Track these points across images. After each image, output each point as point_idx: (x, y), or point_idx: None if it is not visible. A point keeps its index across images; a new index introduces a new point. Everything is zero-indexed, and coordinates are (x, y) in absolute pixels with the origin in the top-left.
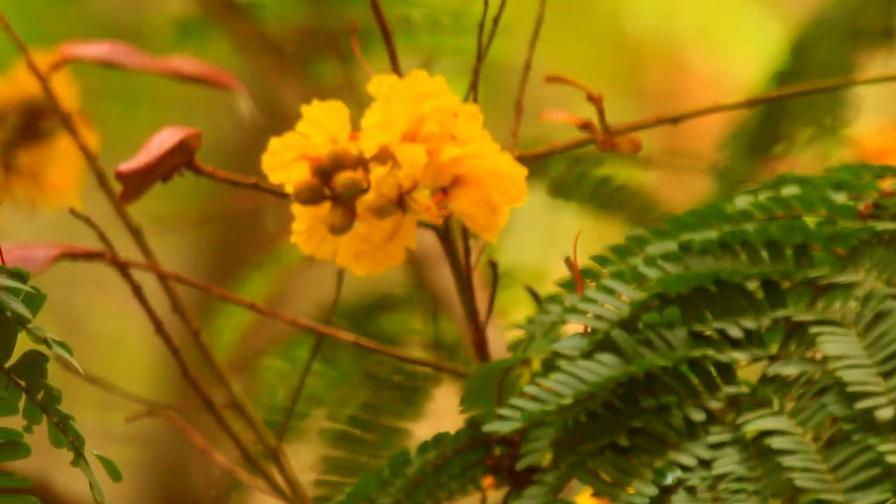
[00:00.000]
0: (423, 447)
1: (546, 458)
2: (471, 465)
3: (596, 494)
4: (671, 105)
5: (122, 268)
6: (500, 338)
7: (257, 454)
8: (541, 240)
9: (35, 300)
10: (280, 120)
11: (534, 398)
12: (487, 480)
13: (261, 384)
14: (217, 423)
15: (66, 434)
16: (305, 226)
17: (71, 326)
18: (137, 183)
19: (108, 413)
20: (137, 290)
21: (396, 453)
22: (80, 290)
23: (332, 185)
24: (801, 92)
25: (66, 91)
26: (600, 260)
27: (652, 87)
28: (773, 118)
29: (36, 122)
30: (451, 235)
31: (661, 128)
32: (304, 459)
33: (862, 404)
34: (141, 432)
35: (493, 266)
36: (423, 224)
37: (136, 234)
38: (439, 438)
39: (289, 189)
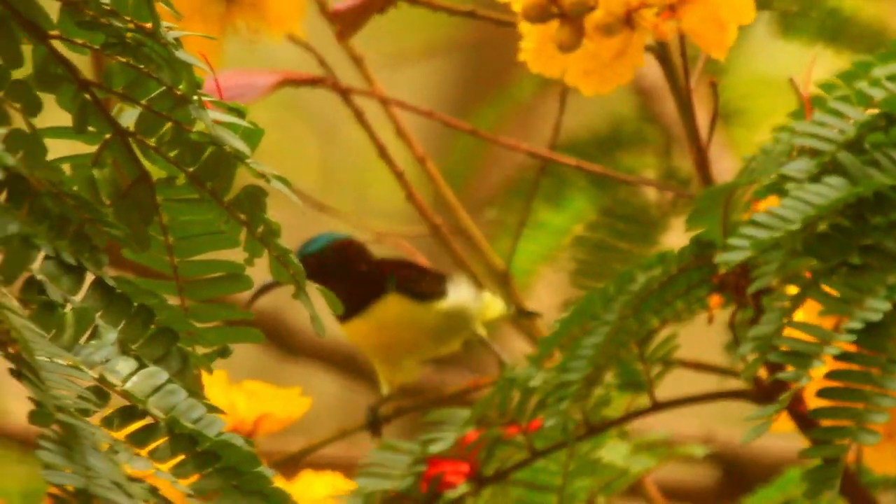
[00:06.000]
0: (647, 264)
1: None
2: (696, 283)
3: (828, 312)
4: None
5: (344, 94)
6: (726, 162)
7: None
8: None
9: (253, 135)
10: None
11: (763, 226)
12: (714, 300)
13: (492, 214)
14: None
15: (287, 267)
16: (534, 44)
17: (330, 136)
18: (354, 19)
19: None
20: (360, 116)
21: (622, 271)
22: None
23: (560, 3)
24: None
25: None
26: (827, 86)
27: None
28: None
29: None
30: (669, 56)
31: None
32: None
33: None
34: None
35: (713, 87)
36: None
37: (358, 62)
38: (663, 256)
39: (517, 8)
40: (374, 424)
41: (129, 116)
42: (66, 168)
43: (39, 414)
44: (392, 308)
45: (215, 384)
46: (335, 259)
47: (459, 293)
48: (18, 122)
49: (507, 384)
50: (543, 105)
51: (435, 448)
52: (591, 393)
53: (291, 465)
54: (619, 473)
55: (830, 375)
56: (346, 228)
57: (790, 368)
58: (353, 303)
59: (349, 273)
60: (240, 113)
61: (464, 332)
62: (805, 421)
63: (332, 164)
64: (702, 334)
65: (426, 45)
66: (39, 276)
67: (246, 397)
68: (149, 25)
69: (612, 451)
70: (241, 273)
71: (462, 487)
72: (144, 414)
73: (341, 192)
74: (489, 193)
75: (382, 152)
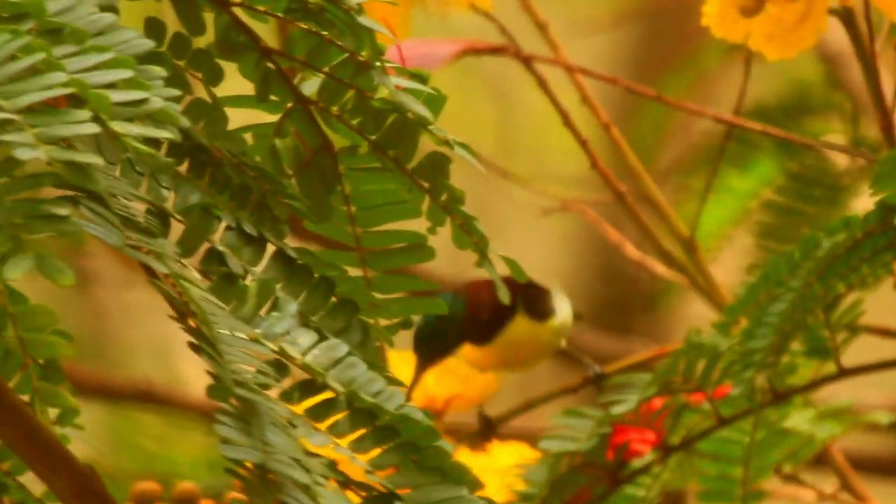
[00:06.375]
0: (832, 228)
1: None
2: (881, 248)
3: None
4: None
5: (526, 61)
6: None
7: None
8: None
9: (436, 101)
10: None
11: None
12: None
13: (677, 181)
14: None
15: (471, 235)
16: (717, 9)
17: (507, 100)
18: None
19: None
20: (543, 83)
21: (806, 236)
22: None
23: None
24: None
25: None
26: None
27: None
28: None
29: None
30: (855, 21)
31: None
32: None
33: None
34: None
35: None
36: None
37: (542, 28)
38: (848, 220)
39: None
40: (487, 429)
41: (311, 85)
42: (248, 137)
43: (218, 388)
44: (520, 330)
45: (405, 363)
46: (472, 311)
47: (563, 308)
48: (199, 91)
49: (692, 350)
50: (727, 74)
51: (618, 410)
52: (777, 361)
53: (478, 437)
54: (805, 440)
55: None
56: (526, 195)
57: None
58: (489, 330)
59: (486, 313)
60: (422, 79)
61: (559, 344)
62: None
63: (509, 129)
64: (887, 300)
65: (610, 12)
66: (220, 247)
67: (437, 376)
68: None
69: (798, 418)
70: (424, 243)
71: (648, 456)
72: (324, 387)
73: (519, 158)
74: (673, 161)
75: (567, 120)
